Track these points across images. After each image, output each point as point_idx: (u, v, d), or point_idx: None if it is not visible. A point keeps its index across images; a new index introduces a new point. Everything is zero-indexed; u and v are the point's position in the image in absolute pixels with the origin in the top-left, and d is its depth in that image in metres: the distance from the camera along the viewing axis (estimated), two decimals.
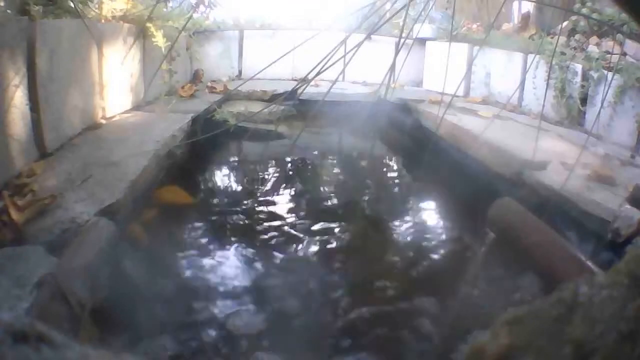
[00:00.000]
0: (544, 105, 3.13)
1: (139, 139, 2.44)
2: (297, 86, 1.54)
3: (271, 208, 2.48)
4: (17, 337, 0.32)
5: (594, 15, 3.44)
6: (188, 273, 1.83)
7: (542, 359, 0.35)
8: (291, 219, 2.36)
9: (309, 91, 3.72)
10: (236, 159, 3.48)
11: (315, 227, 2.26)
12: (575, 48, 3.48)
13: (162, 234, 2.05)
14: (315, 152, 3.58)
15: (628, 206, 1.82)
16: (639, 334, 0.34)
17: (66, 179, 1.86)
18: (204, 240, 2.09)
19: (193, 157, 2.92)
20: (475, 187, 2.53)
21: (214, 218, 2.33)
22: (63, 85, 2.23)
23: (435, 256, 2.10)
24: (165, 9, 3.55)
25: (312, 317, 1.62)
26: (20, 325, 0.33)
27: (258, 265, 1.92)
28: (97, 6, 2.73)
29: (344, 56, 1.22)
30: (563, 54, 3.38)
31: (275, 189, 2.78)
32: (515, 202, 1.97)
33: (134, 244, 1.86)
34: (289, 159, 3.34)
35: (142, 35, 3.20)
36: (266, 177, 3.02)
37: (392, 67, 1.15)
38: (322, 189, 2.91)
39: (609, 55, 3.22)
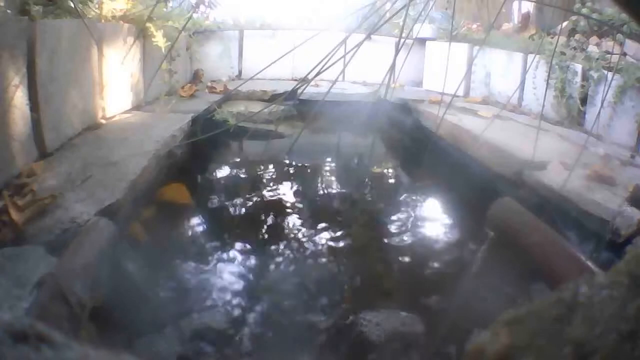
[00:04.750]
0: (543, 105, 3.13)
1: (139, 139, 2.44)
2: (297, 86, 1.54)
3: (271, 207, 2.48)
4: (17, 337, 0.32)
5: (594, 15, 3.44)
6: (188, 272, 1.83)
7: (542, 359, 0.35)
8: (291, 218, 2.36)
9: (309, 91, 3.73)
10: (236, 159, 3.48)
11: (315, 226, 2.26)
12: (575, 48, 3.48)
13: (162, 233, 2.05)
14: (315, 152, 3.58)
15: (628, 206, 1.82)
16: (639, 334, 0.34)
17: (66, 179, 1.86)
18: (203, 240, 2.10)
19: (193, 157, 2.92)
20: (475, 187, 2.53)
21: (213, 217, 2.33)
22: (63, 85, 2.23)
23: (435, 256, 2.10)
24: (165, 9, 3.55)
25: (310, 315, 1.61)
26: (20, 325, 0.33)
27: (258, 264, 1.91)
28: (97, 6, 2.73)
29: (344, 56, 1.22)
30: (563, 54, 3.38)
31: (274, 189, 2.78)
32: (515, 202, 1.97)
33: (134, 243, 1.86)
34: (288, 159, 3.34)
35: (142, 35, 3.20)
36: (266, 176, 3.02)
37: (392, 67, 1.15)
38: (321, 188, 2.91)
39: (609, 55, 3.22)
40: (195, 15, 4.15)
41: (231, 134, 3.14)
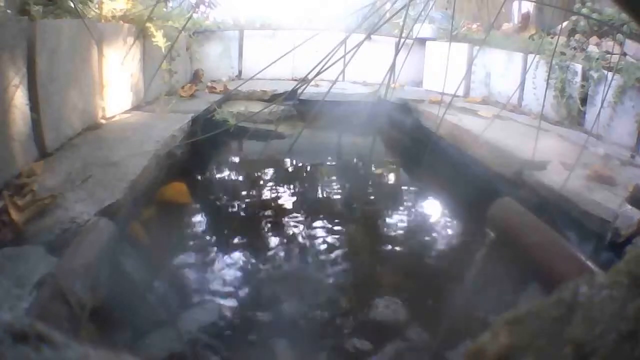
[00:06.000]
0: (543, 105, 3.13)
1: (139, 139, 2.44)
2: (297, 86, 1.54)
3: (270, 207, 2.48)
4: (17, 337, 0.32)
5: (594, 15, 3.44)
6: (188, 272, 1.83)
7: (542, 359, 0.35)
8: (290, 218, 2.36)
9: (309, 91, 3.72)
10: (236, 159, 3.48)
11: (314, 226, 2.26)
12: (575, 48, 3.48)
13: (162, 233, 2.05)
14: (315, 152, 3.58)
15: (628, 206, 1.82)
16: (639, 334, 0.34)
17: (66, 179, 1.86)
18: (203, 240, 2.09)
19: (193, 157, 2.92)
20: (475, 187, 2.53)
21: (213, 217, 2.33)
22: (63, 85, 2.23)
23: (435, 256, 2.10)
24: (165, 9, 3.55)
25: (309, 312, 1.62)
26: (20, 325, 0.33)
27: (257, 263, 1.92)
28: (97, 6, 2.73)
29: (344, 56, 1.22)
30: (563, 54, 3.38)
31: (274, 189, 2.78)
32: (515, 202, 1.97)
33: (134, 243, 1.86)
34: (288, 159, 3.34)
35: (142, 35, 3.20)
36: (265, 176, 3.02)
37: (392, 67, 1.15)
38: (321, 188, 2.91)
39: (609, 55, 3.22)
40: (195, 15, 4.15)
41: (231, 134, 3.14)
